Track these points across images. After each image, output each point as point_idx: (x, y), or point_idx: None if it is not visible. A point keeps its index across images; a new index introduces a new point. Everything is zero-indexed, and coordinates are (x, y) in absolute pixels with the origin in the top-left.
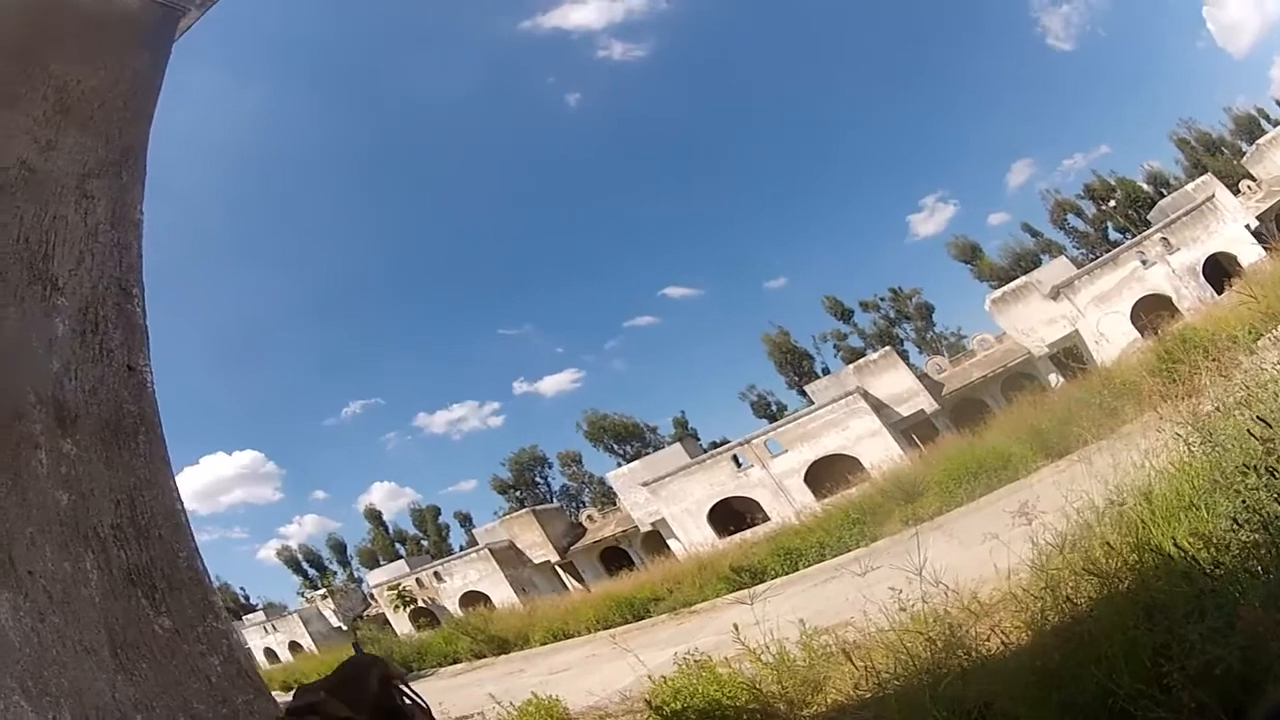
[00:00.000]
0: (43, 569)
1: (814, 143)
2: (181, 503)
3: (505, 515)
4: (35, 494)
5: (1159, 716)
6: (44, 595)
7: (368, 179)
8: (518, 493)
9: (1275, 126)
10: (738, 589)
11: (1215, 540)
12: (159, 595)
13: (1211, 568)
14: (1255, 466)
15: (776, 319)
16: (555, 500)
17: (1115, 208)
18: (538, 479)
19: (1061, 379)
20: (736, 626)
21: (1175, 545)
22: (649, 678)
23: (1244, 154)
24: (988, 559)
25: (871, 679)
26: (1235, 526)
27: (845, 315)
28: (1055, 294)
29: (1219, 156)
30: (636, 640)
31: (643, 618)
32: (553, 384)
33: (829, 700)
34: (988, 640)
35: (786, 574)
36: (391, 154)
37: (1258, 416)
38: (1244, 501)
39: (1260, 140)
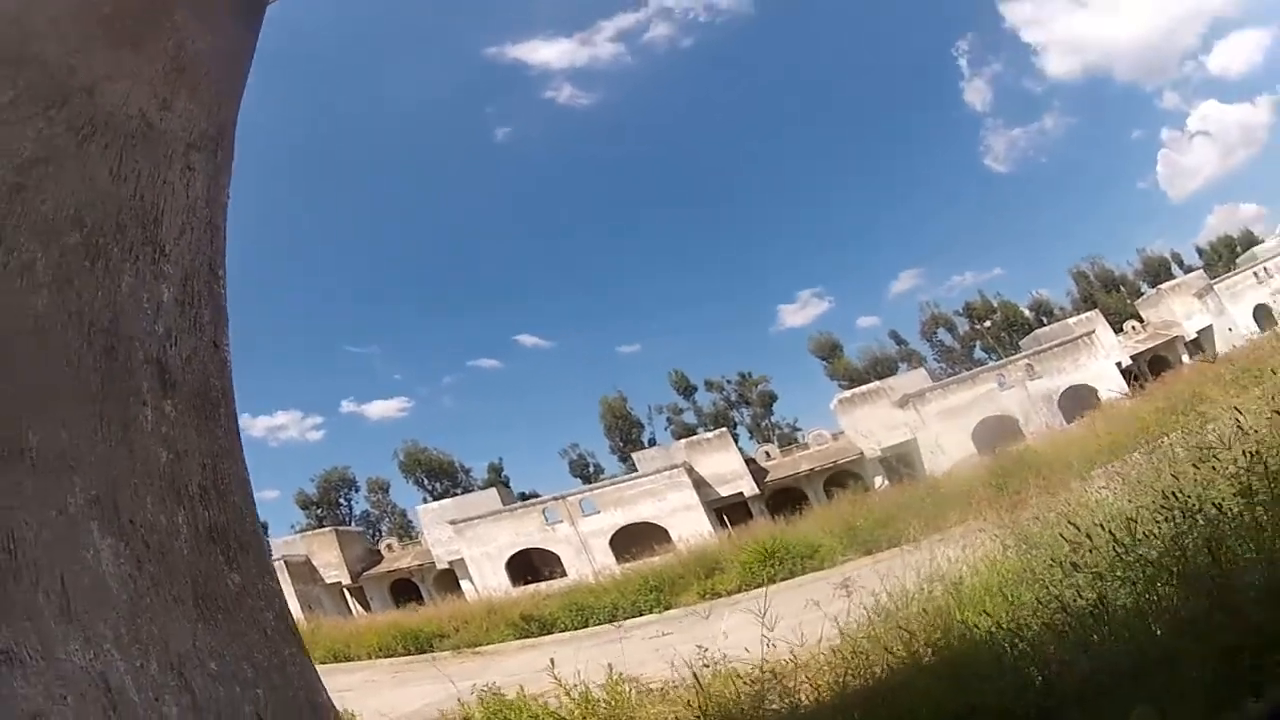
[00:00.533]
0: (142, 519)
1: (705, 219)
2: (248, 472)
3: (304, 530)
4: (140, 448)
5: None
6: (142, 545)
7: (268, 168)
8: (319, 510)
9: (1187, 274)
10: (524, 636)
11: (1018, 622)
12: (232, 553)
13: (1012, 643)
14: (1061, 562)
15: (620, 383)
16: (355, 524)
17: (990, 329)
18: (342, 500)
19: (887, 482)
20: (553, 661)
21: (980, 625)
22: (460, 701)
23: (1142, 295)
24: (778, 634)
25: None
26: (1037, 609)
27: (688, 391)
28: (904, 402)
29: (1115, 295)
30: (418, 672)
31: (425, 651)
32: (380, 409)
33: None
34: (798, 693)
35: (575, 629)
36: (299, 148)
37: (1069, 521)
38: (1047, 590)
39: (1162, 285)
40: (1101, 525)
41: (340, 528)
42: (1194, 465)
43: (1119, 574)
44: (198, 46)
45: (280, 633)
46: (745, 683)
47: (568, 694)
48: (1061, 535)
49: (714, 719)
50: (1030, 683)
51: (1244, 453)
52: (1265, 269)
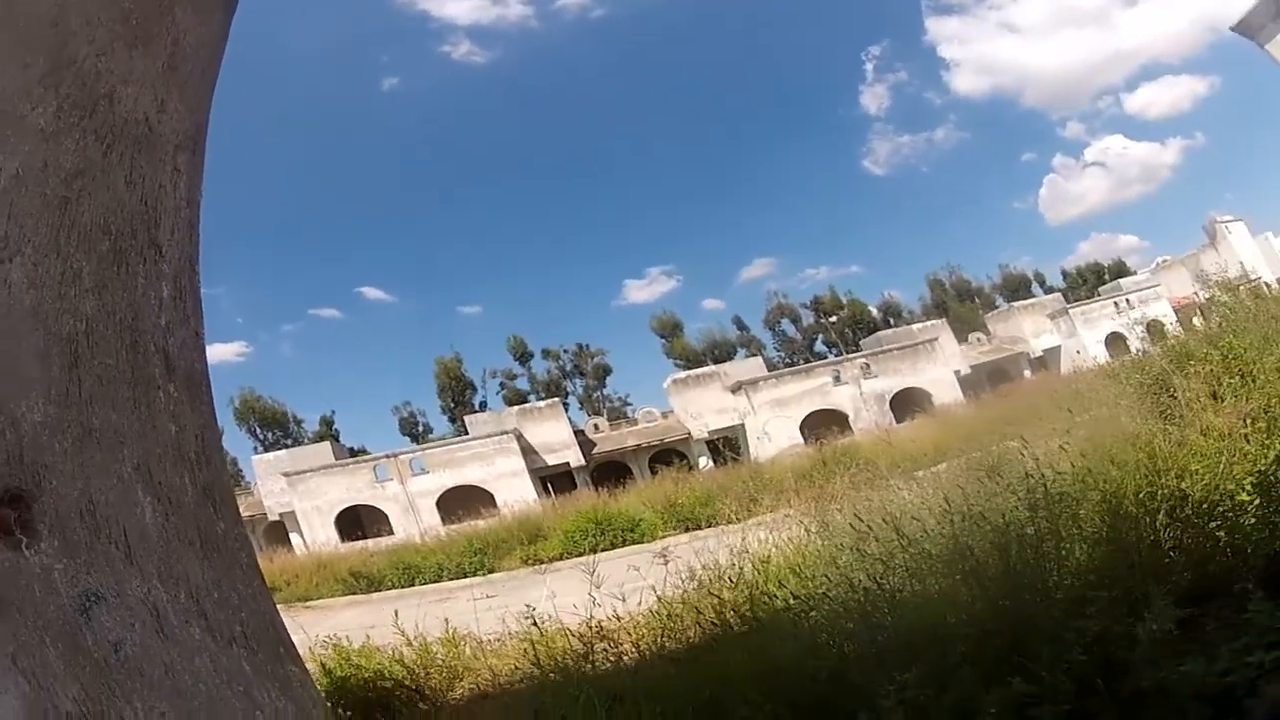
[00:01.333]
0: (165, 481)
1: (570, 188)
2: (221, 438)
3: None
4: (159, 423)
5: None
6: (168, 501)
7: None
8: None
9: (1047, 294)
10: (353, 592)
11: (814, 597)
12: (218, 505)
13: (808, 613)
14: (851, 547)
15: (460, 344)
16: None
17: (835, 324)
18: None
19: (711, 464)
20: (396, 613)
21: (783, 597)
22: (309, 648)
23: (995, 309)
24: (602, 597)
25: (515, 671)
26: (831, 587)
27: (525, 357)
28: (737, 388)
29: (968, 305)
30: None
31: None
32: (218, 352)
33: (468, 687)
34: (623, 649)
35: (402, 587)
36: None
37: (856, 514)
38: (840, 571)
39: (1016, 303)
40: (885, 520)
41: None
42: (981, 480)
43: (898, 562)
44: (188, 40)
45: (250, 568)
46: (576, 638)
47: (409, 644)
48: (850, 525)
49: (548, 670)
50: (823, 647)
51: (1026, 473)
52: (1128, 300)
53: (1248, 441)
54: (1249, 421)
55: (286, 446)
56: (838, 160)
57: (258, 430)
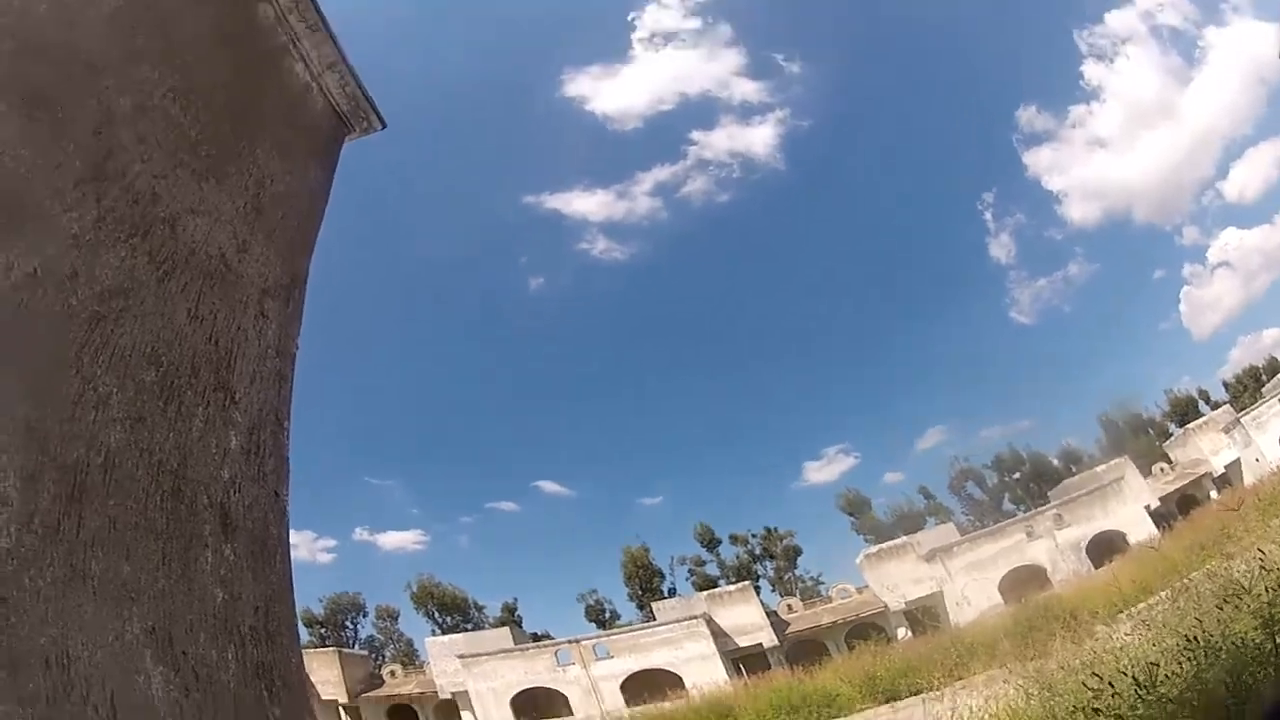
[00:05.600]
0: (194, 652)
1: (733, 375)
2: (297, 616)
3: (307, 647)
4: (199, 586)
5: None
6: (192, 675)
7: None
8: (323, 630)
9: (1212, 409)
10: None
11: None
12: (275, 690)
13: None
14: (1084, 708)
15: (640, 534)
16: (359, 648)
17: (1019, 480)
18: (348, 623)
19: (910, 634)
20: None
21: None
22: None
23: (1170, 436)
24: None
25: None
26: None
27: (712, 544)
28: (931, 556)
29: (1143, 438)
30: None
31: None
32: (394, 539)
33: None
34: None
35: None
36: (338, 283)
37: (1092, 672)
38: None
39: (1189, 425)
40: (1123, 671)
41: (344, 649)
42: (1218, 605)
43: (1139, 713)
44: (276, 187)
45: None
46: None
47: None
48: (1084, 683)
49: None
50: None
51: (1266, 588)
52: None
53: None
54: None
55: (466, 630)
56: (986, 315)
57: (436, 614)
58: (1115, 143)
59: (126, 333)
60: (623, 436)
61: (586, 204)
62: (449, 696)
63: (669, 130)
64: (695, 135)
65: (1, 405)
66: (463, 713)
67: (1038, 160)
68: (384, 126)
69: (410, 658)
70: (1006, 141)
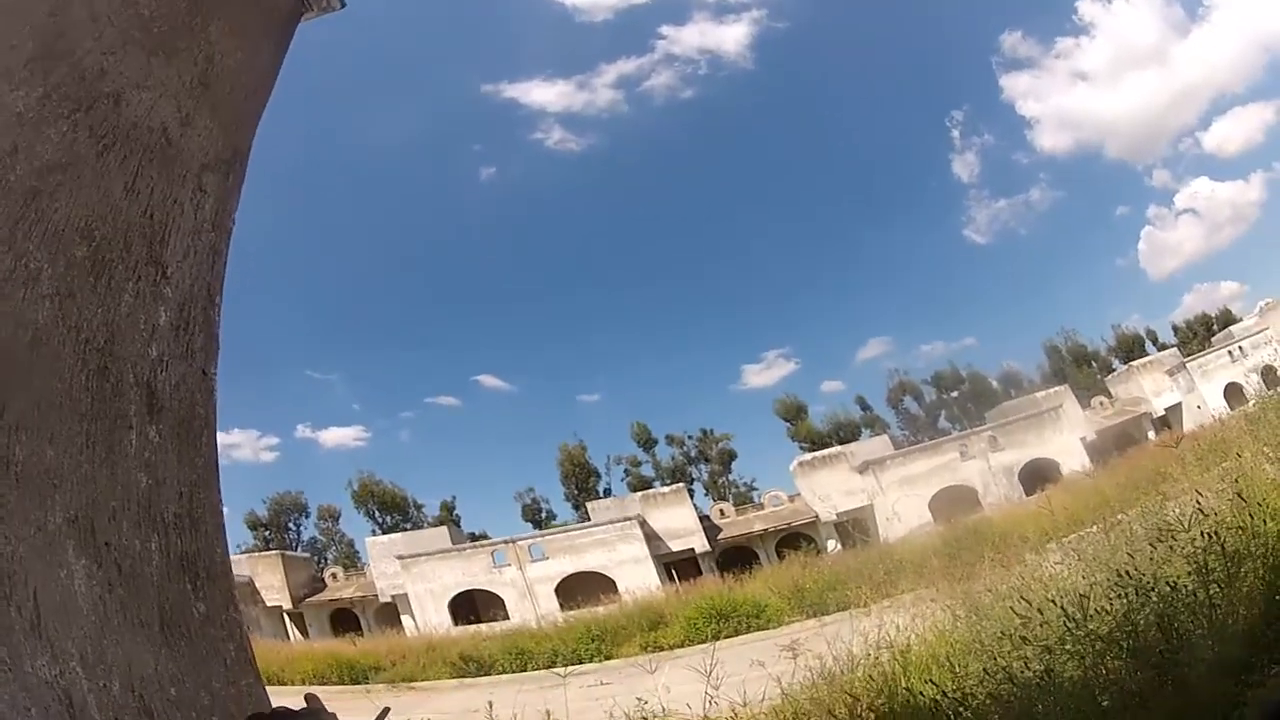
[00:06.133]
0: (117, 543)
1: (678, 274)
2: (222, 502)
3: (250, 551)
4: (122, 471)
5: None
6: (114, 568)
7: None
8: (267, 533)
9: (1159, 351)
10: (461, 675)
11: (963, 691)
12: (200, 583)
13: (957, 711)
14: (1010, 634)
15: (579, 432)
16: (302, 549)
17: (957, 399)
18: (291, 524)
19: (840, 546)
20: (491, 704)
21: (926, 693)
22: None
23: (1113, 371)
24: (721, 691)
25: None
26: (983, 679)
27: (648, 444)
28: (864, 468)
29: (1085, 369)
30: (350, 703)
31: (359, 683)
32: (336, 436)
33: None
34: None
35: (514, 673)
36: (279, 163)
37: (1020, 595)
38: (994, 661)
39: (1134, 362)
40: (1053, 600)
41: (287, 552)
42: (1150, 544)
43: (1068, 648)
44: (226, 62)
45: (240, 663)
46: None
47: None
48: (1012, 609)
49: None
50: None
51: (1201, 533)
52: (1240, 348)
53: None
54: None
55: (406, 530)
56: (940, 232)
57: (376, 514)
58: (1098, 78)
59: (60, 207)
60: (565, 332)
61: (546, 94)
62: (389, 600)
63: (639, 23)
64: (665, 30)
65: None
66: (402, 616)
67: (1015, 84)
68: (343, 6)
69: (352, 559)
70: (986, 63)
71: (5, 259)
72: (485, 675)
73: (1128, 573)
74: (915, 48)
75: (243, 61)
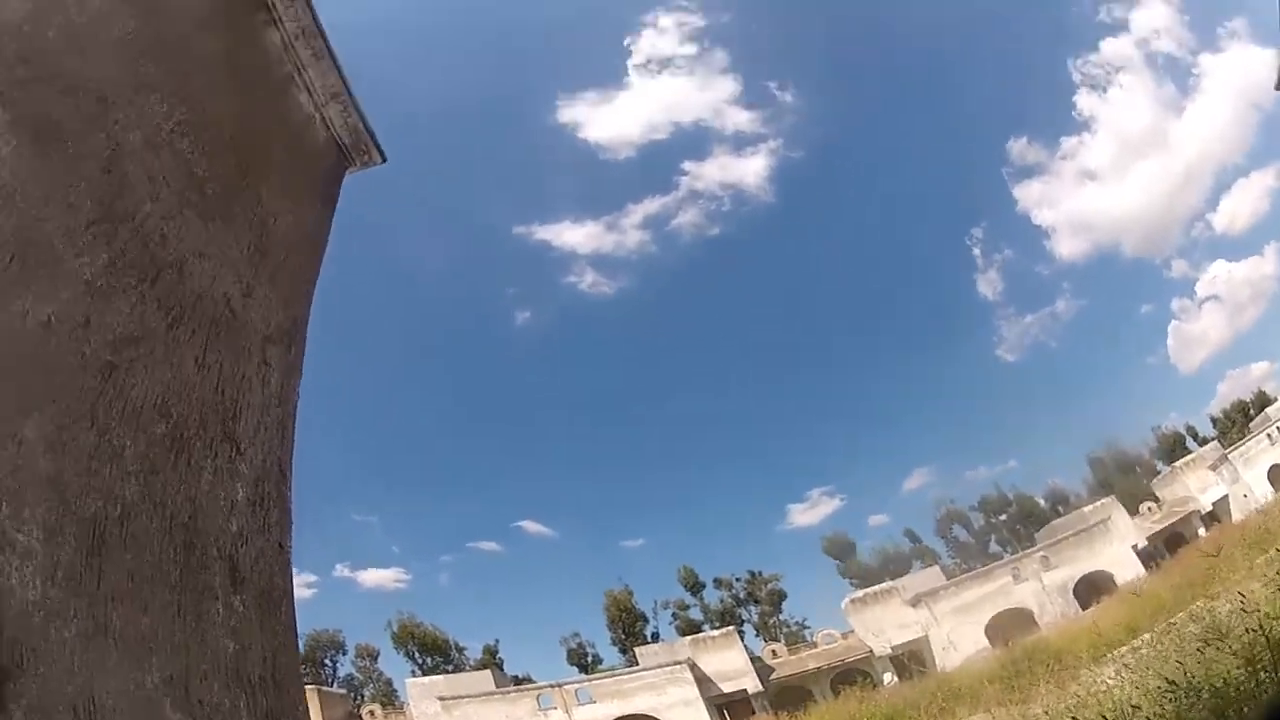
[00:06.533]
0: (209, 700)
1: (715, 415)
2: (299, 664)
3: None
4: (211, 637)
5: None
6: None
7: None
8: (303, 668)
9: (1200, 445)
10: None
11: None
12: None
13: None
14: None
15: (623, 576)
16: (338, 686)
17: (1005, 522)
18: (327, 660)
19: (896, 679)
20: None
21: None
22: None
23: (1158, 474)
24: None
25: None
26: None
27: (695, 588)
28: (916, 600)
29: (1130, 476)
30: None
31: None
32: (375, 577)
33: None
34: None
35: None
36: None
37: (1073, 717)
38: None
39: (1177, 463)
40: (1104, 715)
41: (323, 688)
42: (1199, 648)
43: None
44: (279, 226)
45: None
46: None
47: None
48: None
49: None
50: None
51: (1246, 629)
52: (1278, 429)
53: None
54: None
55: (447, 672)
56: (971, 353)
57: (416, 654)
58: (1106, 174)
59: (138, 383)
60: (606, 476)
61: (575, 235)
62: None
63: (661, 159)
64: (687, 165)
65: (25, 457)
66: None
67: (1028, 194)
68: (384, 160)
69: (390, 698)
70: (997, 175)
71: (90, 434)
72: None
73: (1175, 681)
74: (929, 164)
75: (295, 224)
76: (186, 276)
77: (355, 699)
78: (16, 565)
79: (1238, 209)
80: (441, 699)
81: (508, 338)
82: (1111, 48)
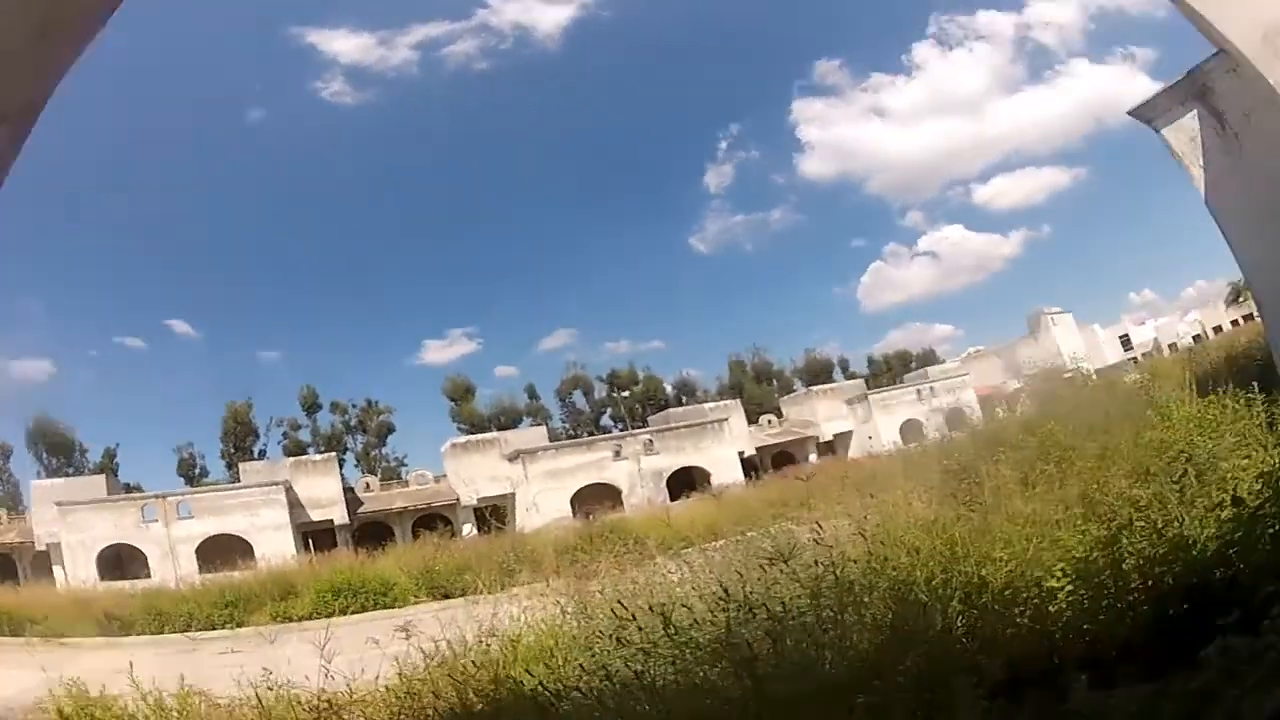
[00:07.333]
0: None
1: (381, 238)
2: None
3: None
4: None
5: None
6: None
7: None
8: None
9: (848, 379)
10: (106, 633)
11: (564, 683)
12: None
13: (556, 702)
14: (609, 634)
15: (256, 389)
16: None
17: (627, 399)
18: None
19: (475, 531)
20: (132, 664)
21: (529, 682)
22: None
23: (793, 392)
24: (338, 667)
25: None
26: (583, 673)
27: (313, 409)
28: (514, 456)
29: (764, 387)
30: (5, 656)
31: (17, 634)
32: (24, 369)
33: None
34: None
35: (152, 634)
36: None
37: (619, 601)
38: (594, 657)
39: (814, 387)
40: (651, 607)
41: None
42: (762, 566)
43: (662, 652)
44: None
45: None
46: (305, 710)
47: (144, 699)
48: (613, 610)
49: None
50: None
51: (817, 561)
52: (931, 388)
53: (1059, 527)
54: (1064, 508)
55: (68, 474)
56: (665, 235)
57: (44, 455)
58: (897, 117)
59: None
60: (256, 283)
61: (346, 44)
62: (44, 548)
63: None
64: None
65: None
66: (54, 566)
67: (806, 109)
68: None
69: (17, 501)
70: (789, 84)
71: None
72: (127, 635)
73: (728, 590)
74: (706, 61)
75: None
76: None
77: None
78: None
79: (1008, 190)
80: (59, 504)
81: (233, 132)
82: (986, 19)
